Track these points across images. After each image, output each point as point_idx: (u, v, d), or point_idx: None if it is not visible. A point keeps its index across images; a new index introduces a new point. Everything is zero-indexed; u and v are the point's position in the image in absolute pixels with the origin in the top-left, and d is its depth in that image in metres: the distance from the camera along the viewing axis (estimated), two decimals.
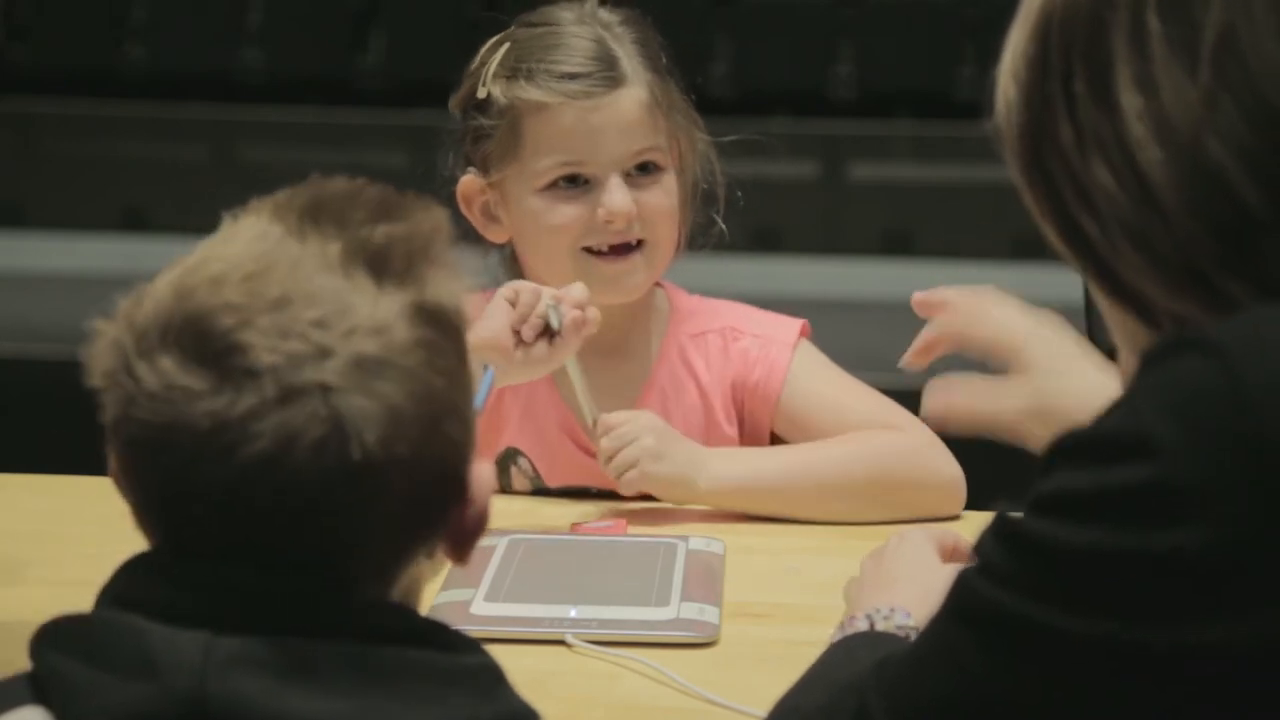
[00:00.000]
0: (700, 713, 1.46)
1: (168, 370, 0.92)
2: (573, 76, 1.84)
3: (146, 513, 0.97)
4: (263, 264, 0.94)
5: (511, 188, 1.89)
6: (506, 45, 1.89)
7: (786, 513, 1.85)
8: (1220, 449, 0.92)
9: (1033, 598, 0.96)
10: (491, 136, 1.88)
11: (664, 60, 1.92)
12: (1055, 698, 0.96)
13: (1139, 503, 0.93)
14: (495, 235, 1.92)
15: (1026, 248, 6.61)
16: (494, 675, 0.97)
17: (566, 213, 1.87)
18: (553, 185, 1.87)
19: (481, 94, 1.88)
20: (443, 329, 0.97)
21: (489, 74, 1.88)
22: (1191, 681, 0.93)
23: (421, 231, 0.99)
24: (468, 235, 1.92)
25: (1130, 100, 0.99)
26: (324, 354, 0.92)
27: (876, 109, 6.74)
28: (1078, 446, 0.97)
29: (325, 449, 0.91)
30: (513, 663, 0.99)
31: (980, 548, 1.00)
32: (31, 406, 5.22)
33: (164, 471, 0.93)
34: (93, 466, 1.93)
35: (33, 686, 0.95)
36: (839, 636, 1.40)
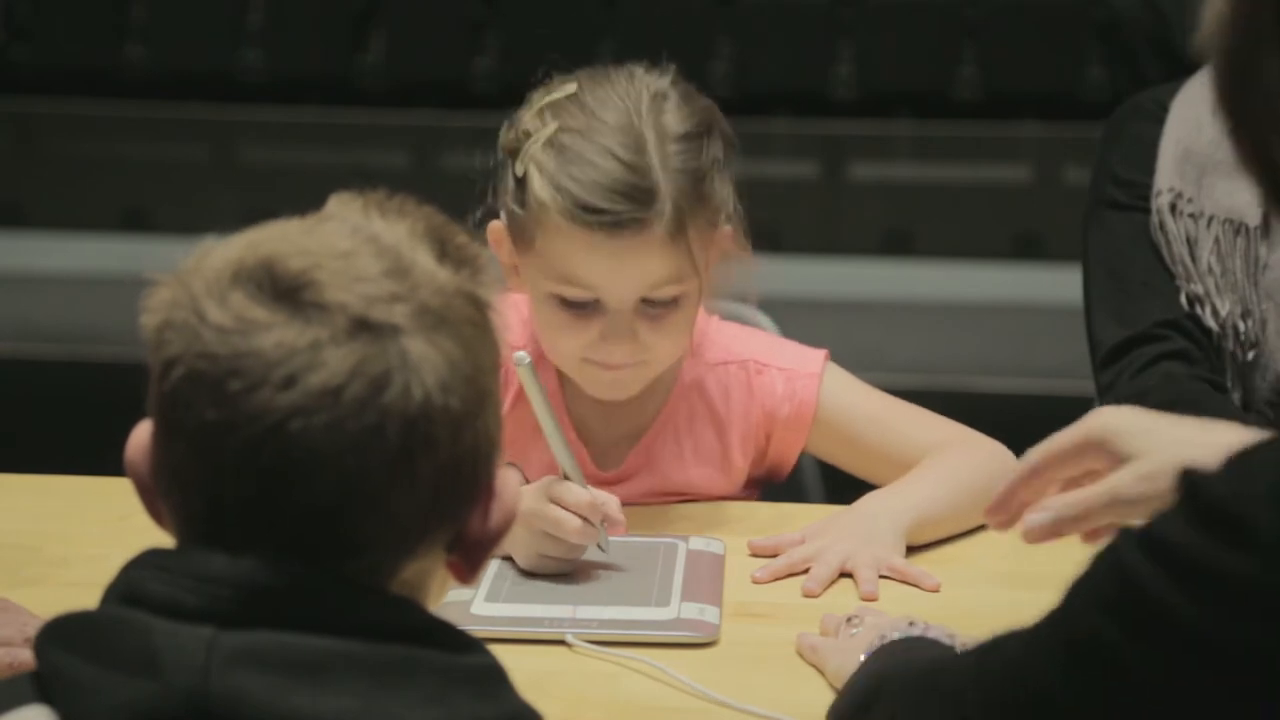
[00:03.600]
0: (700, 712, 1.46)
1: (238, 304, 0.94)
2: (596, 210, 1.72)
3: (178, 470, 0.96)
4: (332, 227, 0.98)
5: (527, 271, 1.81)
6: (554, 127, 1.75)
7: (940, 535, 1.80)
8: None
9: (1115, 620, 0.96)
10: (518, 219, 1.79)
11: (718, 169, 1.79)
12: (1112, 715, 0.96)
13: (1229, 590, 0.91)
14: (516, 286, 1.85)
15: (1026, 248, 6.61)
16: (497, 675, 0.97)
17: (571, 327, 1.78)
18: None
19: (519, 170, 1.78)
20: (487, 324, 1.00)
21: (529, 152, 1.76)
22: None
23: (474, 243, 1.03)
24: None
25: None
26: (394, 299, 0.95)
27: (876, 109, 6.74)
28: (1194, 499, 0.95)
29: (388, 385, 0.93)
30: (513, 663, 0.99)
31: (1096, 561, 1.00)
32: (31, 406, 5.22)
33: (218, 405, 0.93)
34: (93, 467, 1.94)
35: (36, 685, 0.95)
36: (884, 640, 1.40)
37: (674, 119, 1.77)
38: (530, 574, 1.70)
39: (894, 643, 1.39)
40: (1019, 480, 1.35)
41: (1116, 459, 1.29)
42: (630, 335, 1.77)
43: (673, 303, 1.78)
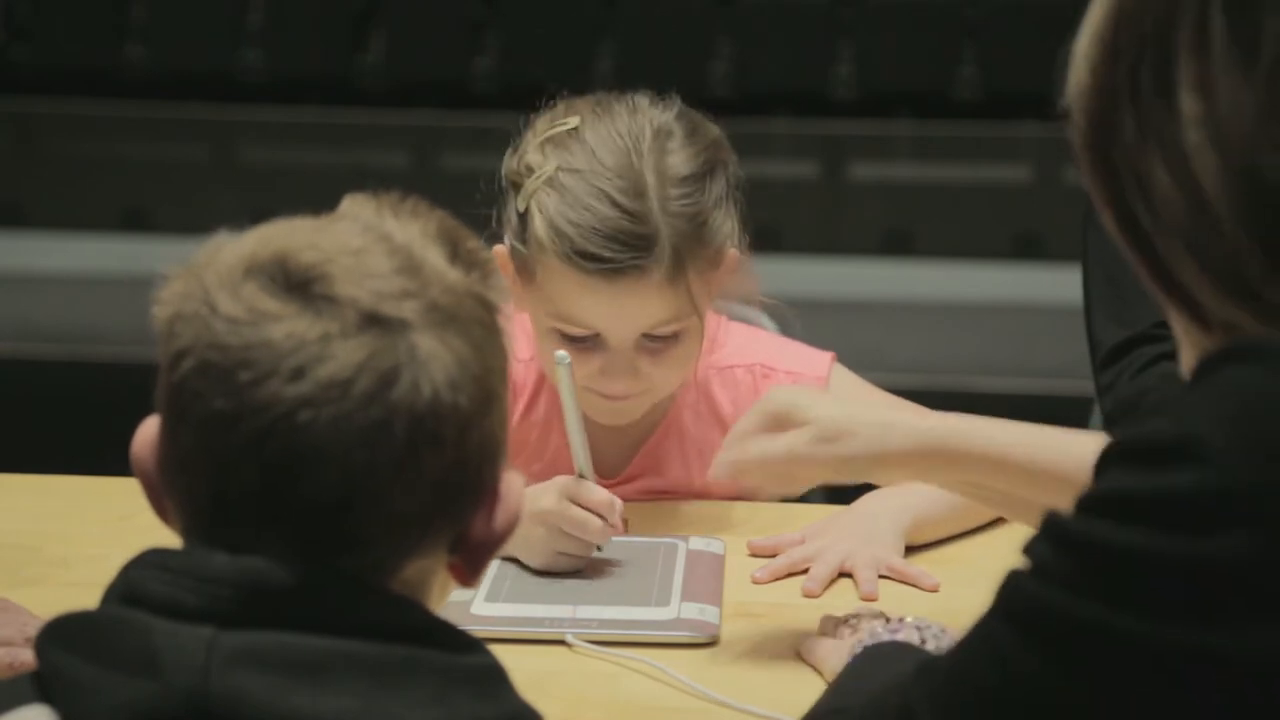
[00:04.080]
0: (700, 712, 1.46)
1: (250, 296, 0.94)
2: (595, 258, 1.71)
3: (184, 461, 0.96)
4: (345, 224, 0.99)
5: (529, 300, 1.81)
6: (554, 166, 1.75)
7: (939, 536, 1.81)
8: (1272, 454, 0.91)
9: (1080, 595, 0.96)
10: (519, 253, 1.79)
11: (723, 203, 1.78)
12: (1100, 696, 0.96)
13: (1188, 506, 0.92)
14: (521, 307, 1.84)
15: (1026, 248, 6.60)
16: (497, 676, 0.97)
17: (572, 360, 1.73)
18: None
19: (521, 206, 1.78)
20: (496, 327, 1.00)
21: (530, 189, 1.76)
22: (1235, 688, 0.92)
23: (485, 248, 1.04)
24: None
25: (1190, 103, 0.97)
26: (405, 295, 0.95)
27: (876, 109, 6.74)
28: (1128, 449, 0.96)
29: (396, 380, 0.93)
30: (513, 663, 0.99)
31: (1029, 549, 1.00)
32: (31, 406, 5.23)
33: (228, 396, 0.93)
34: (93, 467, 1.94)
35: (37, 685, 0.95)
36: (859, 647, 1.41)
37: (678, 160, 1.76)
38: (530, 574, 1.70)
39: (864, 650, 1.41)
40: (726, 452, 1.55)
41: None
42: (630, 371, 1.78)
43: (673, 337, 1.79)
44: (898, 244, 6.57)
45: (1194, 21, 0.97)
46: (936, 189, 6.68)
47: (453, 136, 6.61)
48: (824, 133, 6.75)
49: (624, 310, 1.75)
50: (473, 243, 1.03)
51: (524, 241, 1.77)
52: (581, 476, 1.70)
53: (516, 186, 1.79)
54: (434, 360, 0.94)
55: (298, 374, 0.92)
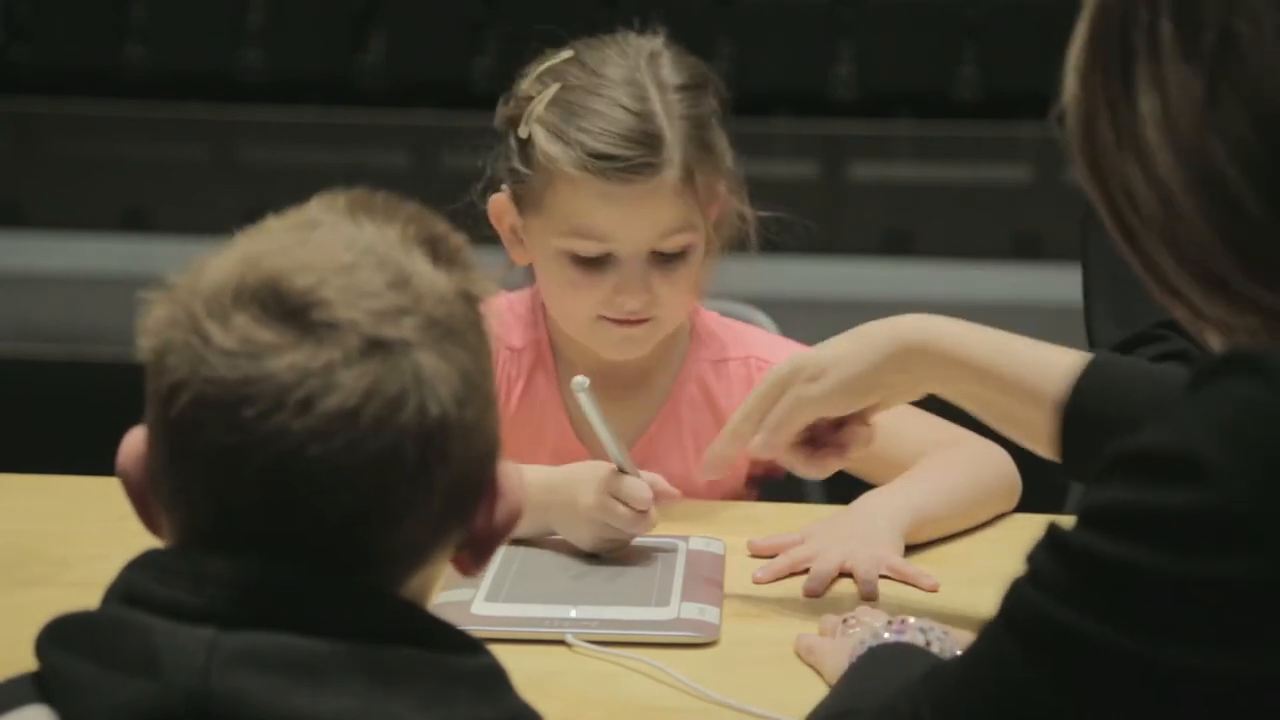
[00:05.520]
0: (700, 712, 1.46)
1: (243, 327, 0.92)
2: (609, 158, 1.77)
3: (186, 489, 0.95)
4: (327, 236, 0.97)
5: (536, 234, 1.85)
6: (556, 88, 1.82)
7: (939, 535, 1.81)
8: (1270, 474, 0.91)
9: (1077, 608, 0.96)
10: (525, 181, 1.83)
11: (716, 122, 1.85)
12: (1088, 710, 0.96)
13: (1187, 527, 0.92)
14: (519, 257, 1.89)
15: (1026, 248, 6.59)
16: (497, 677, 0.97)
17: (584, 283, 1.82)
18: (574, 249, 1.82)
19: (523, 133, 1.83)
20: (484, 323, 1.00)
21: (533, 113, 1.82)
22: (1226, 706, 0.93)
23: (456, 235, 1.03)
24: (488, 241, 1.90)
25: (1147, 102, 0.99)
26: (401, 312, 0.94)
27: (876, 109, 6.75)
28: (1128, 461, 0.97)
29: (404, 404, 0.92)
30: (513, 663, 0.99)
31: (1031, 556, 1.00)
32: (31, 406, 5.23)
33: (232, 430, 0.92)
34: (93, 467, 1.94)
35: (37, 685, 0.95)
36: (863, 647, 1.41)
37: (671, 72, 1.84)
38: (530, 574, 1.70)
39: (870, 651, 1.40)
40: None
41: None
42: (644, 286, 1.81)
43: (682, 255, 1.83)
44: (898, 244, 6.57)
45: (1147, 22, 1.00)
46: (936, 189, 6.69)
47: (453, 136, 6.60)
48: (824, 133, 6.76)
49: (637, 216, 1.79)
50: (448, 234, 1.02)
51: (530, 165, 1.82)
52: (621, 471, 1.72)
53: (515, 121, 1.84)
54: (438, 378, 0.94)
55: (304, 406, 0.91)
